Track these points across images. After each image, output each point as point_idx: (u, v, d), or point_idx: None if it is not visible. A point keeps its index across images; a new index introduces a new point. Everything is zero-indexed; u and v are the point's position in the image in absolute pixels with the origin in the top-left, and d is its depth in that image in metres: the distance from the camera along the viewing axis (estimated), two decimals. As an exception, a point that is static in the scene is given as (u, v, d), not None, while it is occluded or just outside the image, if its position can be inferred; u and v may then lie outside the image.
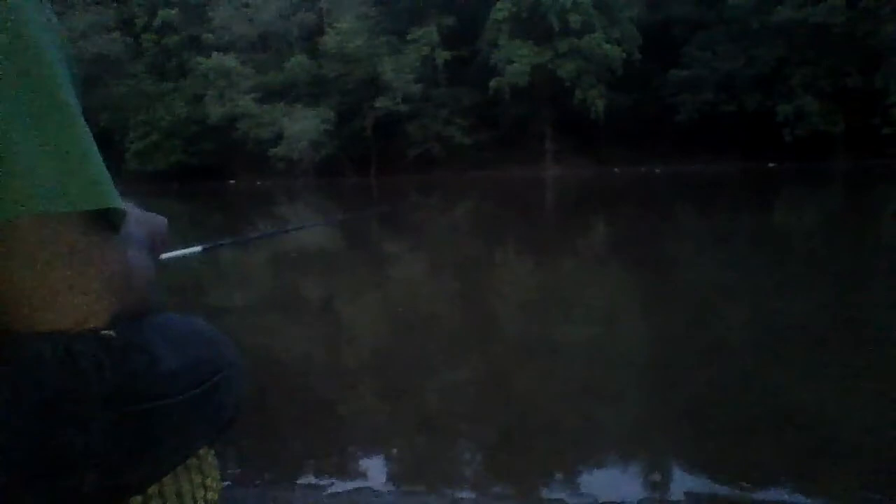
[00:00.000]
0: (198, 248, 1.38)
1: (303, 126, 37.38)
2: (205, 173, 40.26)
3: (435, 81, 38.95)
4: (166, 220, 0.76)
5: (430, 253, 9.97)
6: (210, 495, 0.65)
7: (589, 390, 3.74)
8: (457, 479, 2.72)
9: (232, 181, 39.41)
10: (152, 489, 0.59)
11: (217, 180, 39.19)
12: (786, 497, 2.46)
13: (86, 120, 0.54)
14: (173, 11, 43.08)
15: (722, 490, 2.51)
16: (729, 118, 34.79)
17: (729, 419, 3.18)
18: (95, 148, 0.54)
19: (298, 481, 2.74)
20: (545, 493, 2.56)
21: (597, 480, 2.65)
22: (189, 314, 0.65)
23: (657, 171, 33.47)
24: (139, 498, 0.58)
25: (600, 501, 2.46)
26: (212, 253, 1.42)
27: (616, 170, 34.66)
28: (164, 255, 1.12)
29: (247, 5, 42.03)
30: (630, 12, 36.91)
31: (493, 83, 36.23)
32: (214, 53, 40.10)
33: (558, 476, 2.71)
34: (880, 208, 14.43)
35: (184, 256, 1.29)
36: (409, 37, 38.47)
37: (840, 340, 4.47)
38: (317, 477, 2.78)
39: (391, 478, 2.76)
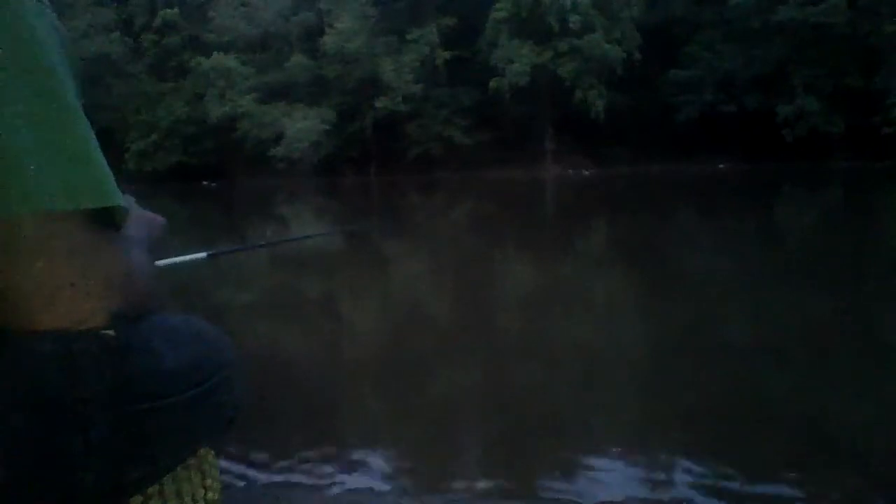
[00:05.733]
0: (203, 255, 1.37)
1: (303, 126, 37.37)
2: (205, 173, 40.21)
3: (435, 81, 38.92)
4: (165, 219, 0.75)
5: (431, 254, 9.96)
6: (210, 495, 0.65)
7: (590, 390, 3.74)
8: (457, 479, 2.72)
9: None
10: (152, 489, 0.59)
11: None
12: (786, 497, 2.46)
13: (87, 119, 0.54)
14: (173, 11, 43.07)
15: (722, 489, 2.51)
16: (729, 118, 34.76)
17: (730, 419, 3.18)
18: (98, 147, 0.54)
19: (298, 481, 2.74)
20: (545, 493, 2.56)
21: (597, 480, 2.65)
22: (189, 314, 0.65)
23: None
24: (139, 498, 0.58)
25: (600, 501, 2.46)
26: (215, 258, 1.41)
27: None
28: (168, 261, 1.11)
29: (247, 5, 42.03)
30: (630, 12, 36.86)
31: (493, 83, 36.20)
32: (214, 53, 40.10)
33: (558, 476, 2.71)
34: (881, 209, 14.42)
35: (186, 262, 1.29)
36: (408, 37, 38.44)
37: (841, 341, 4.47)
38: (317, 477, 2.77)
39: (391, 478, 2.76)
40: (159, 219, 0.74)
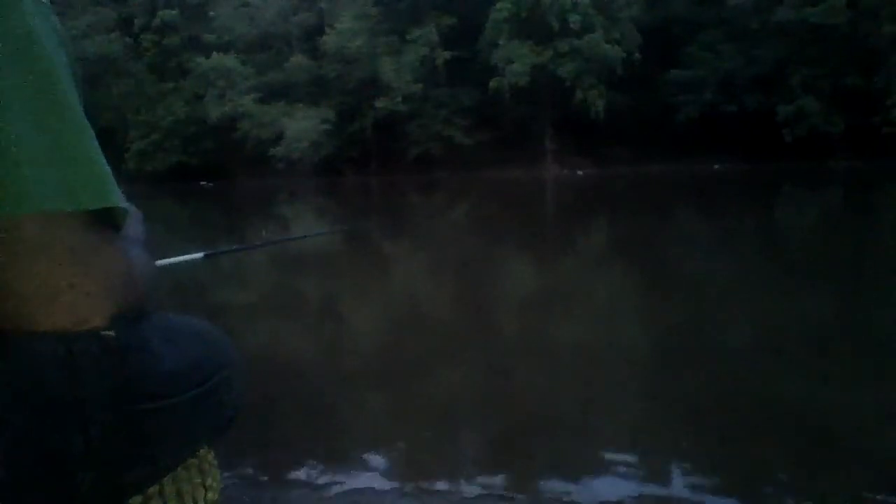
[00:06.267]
0: (199, 255, 1.38)
1: (303, 126, 37.38)
2: (205, 173, 40.17)
3: (435, 81, 38.92)
4: (141, 212, 0.75)
5: (431, 254, 9.96)
6: (210, 495, 0.65)
7: (589, 390, 3.74)
8: (457, 479, 2.72)
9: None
10: (152, 489, 0.59)
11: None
12: (786, 497, 2.46)
13: (87, 120, 0.54)
14: (173, 11, 43.08)
15: (722, 490, 2.51)
16: (729, 118, 34.76)
17: (729, 419, 3.18)
18: (98, 148, 0.53)
19: (298, 481, 2.74)
20: (545, 493, 2.55)
21: (597, 480, 2.64)
22: (188, 314, 0.66)
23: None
24: (139, 498, 0.58)
25: (600, 501, 2.46)
26: (212, 258, 1.42)
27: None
28: (165, 262, 1.11)
29: (247, 5, 42.03)
30: (630, 12, 36.89)
31: (493, 83, 36.22)
32: (214, 53, 40.11)
33: (558, 476, 2.71)
34: (881, 209, 14.42)
35: (183, 262, 1.29)
36: (408, 37, 38.45)
37: (841, 341, 4.46)
38: (317, 477, 2.77)
39: (392, 478, 2.76)
40: (137, 210, 0.75)
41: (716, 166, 32.95)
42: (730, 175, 28.18)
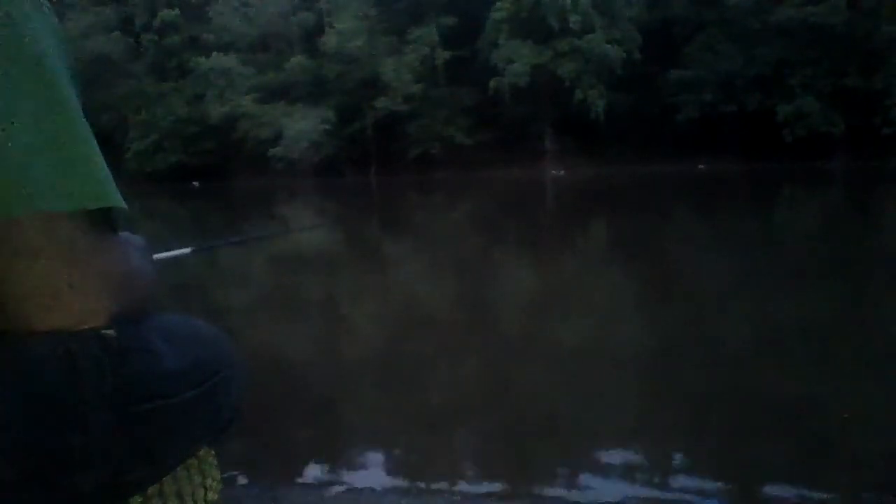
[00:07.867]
0: (187, 250, 1.38)
1: (303, 126, 37.37)
2: (205, 173, 40.13)
3: (435, 81, 38.93)
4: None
5: (430, 254, 9.96)
6: (210, 495, 0.65)
7: (589, 390, 3.74)
8: (457, 479, 2.72)
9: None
10: (152, 489, 0.59)
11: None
12: (786, 497, 2.46)
13: (86, 119, 0.54)
14: (173, 11, 43.10)
15: (722, 489, 2.51)
16: (729, 118, 34.76)
17: (729, 419, 3.18)
18: (96, 147, 0.54)
19: (298, 481, 2.74)
20: (545, 493, 2.55)
21: (597, 480, 2.64)
22: (188, 314, 0.66)
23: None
24: (139, 498, 0.58)
25: (600, 501, 2.46)
26: (205, 253, 1.43)
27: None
28: (154, 257, 1.11)
29: (247, 5, 42.05)
30: (630, 12, 36.91)
31: (493, 83, 36.23)
32: (214, 53, 40.11)
33: (558, 476, 2.71)
34: (881, 209, 14.42)
35: (172, 257, 1.29)
36: (408, 37, 38.47)
37: (841, 341, 4.46)
38: (317, 477, 2.78)
39: (392, 478, 2.76)
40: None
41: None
42: (729, 175, 28.18)
